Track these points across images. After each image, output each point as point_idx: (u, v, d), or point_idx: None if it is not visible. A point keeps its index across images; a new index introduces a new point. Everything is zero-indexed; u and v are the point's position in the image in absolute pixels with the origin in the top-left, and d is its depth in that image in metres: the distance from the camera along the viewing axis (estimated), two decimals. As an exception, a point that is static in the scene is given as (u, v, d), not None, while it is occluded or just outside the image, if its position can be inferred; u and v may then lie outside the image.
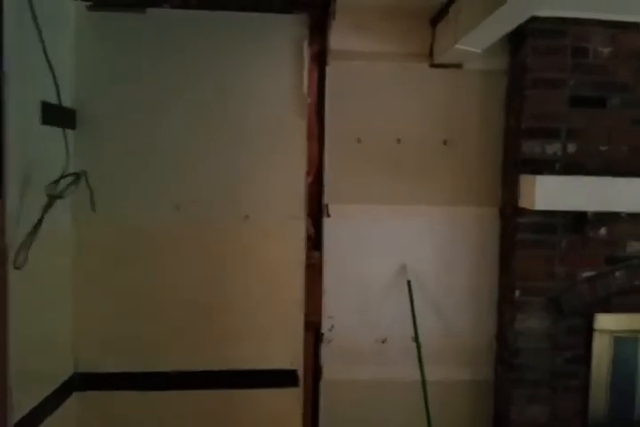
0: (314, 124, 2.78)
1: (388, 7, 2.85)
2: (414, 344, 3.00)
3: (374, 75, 3.01)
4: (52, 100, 2.28)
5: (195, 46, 2.63)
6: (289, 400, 2.78)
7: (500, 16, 2.17)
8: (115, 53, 2.60)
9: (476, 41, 2.55)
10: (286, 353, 2.76)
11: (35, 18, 2.08)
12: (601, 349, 3.00)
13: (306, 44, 2.65)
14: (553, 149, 2.87)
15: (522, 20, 2.32)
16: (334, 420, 3.08)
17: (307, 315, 2.80)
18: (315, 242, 2.90)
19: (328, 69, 2.82)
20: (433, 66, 3.04)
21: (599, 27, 2.83)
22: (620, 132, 2.90)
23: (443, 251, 3.13)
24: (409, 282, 3.07)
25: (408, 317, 3.04)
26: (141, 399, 2.69)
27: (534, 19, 2.70)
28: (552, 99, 2.85)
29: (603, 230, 2.92)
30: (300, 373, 2.79)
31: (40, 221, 2.12)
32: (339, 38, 2.88)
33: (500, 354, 3.14)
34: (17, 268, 2.00)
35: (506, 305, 3.06)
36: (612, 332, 3.00)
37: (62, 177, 2.26)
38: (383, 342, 3.12)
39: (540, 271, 2.93)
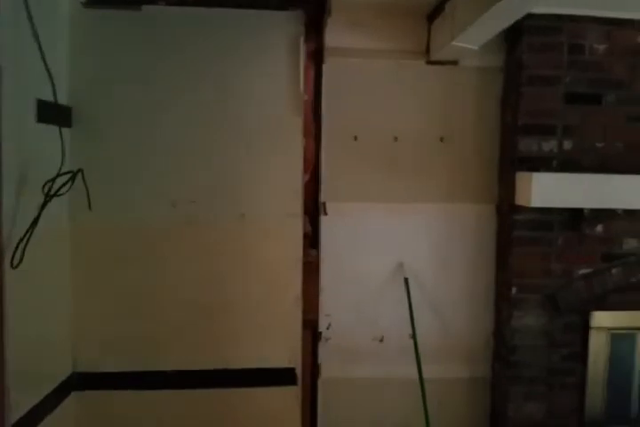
0: (310, 122, 2.77)
1: (384, 4, 2.85)
2: (412, 342, 3.00)
3: (371, 72, 3.01)
4: (48, 97, 2.27)
5: (190, 44, 2.62)
6: (287, 399, 2.77)
7: (496, 13, 2.18)
8: (110, 51, 2.59)
9: (473, 38, 2.55)
10: (284, 351, 2.76)
11: (30, 15, 2.07)
12: (597, 346, 3.00)
13: (302, 41, 2.65)
14: (549, 146, 2.88)
15: (518, 16, 2.32)
16: (332, 418, 3.08)
17: (304, 313, 2.80)
18: (312, 240, 2.90)
19: (324, 67, 2.82)
20: (429, 63, 3.04)
21: (594, 24, 2.84)
22: (615, 128, 2.91)
23: (439, 248, 3.13)
24: (406, 280, 3.07)
25: (405, 314, 3.04)
26: (140, 399, 2.68)
27: (530, 16, 2.69)
28: (548, 96, 2.86)
29: (599, 227, 2.92)
30: (298, 371, 2.79)
31: (36, 220, 2.11)
32: (335, 35, 2.89)
33: (497, 351, 3.14)
34: (13, 267, 1.99)
35: (502, 302, 3.06)
36: (608, 329, 3.00)
37: (58, 175, 2.25)
38: (381, 340, 3.12)
39: (537, 268, 2.93)
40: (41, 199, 2.17)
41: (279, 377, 2.77)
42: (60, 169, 2.27)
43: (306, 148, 2.75)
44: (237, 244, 2.70)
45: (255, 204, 2.70)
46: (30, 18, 2.08)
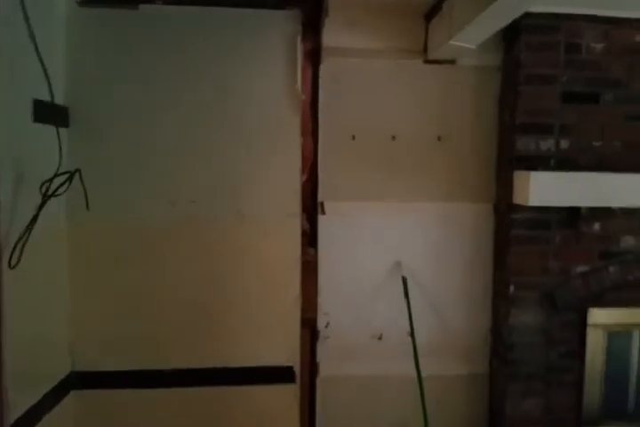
0: (308, 122, 2.78)
1: (382, 3, 2.84)
2: (410, 340, 3.00)
3: (368, 71, 3.00)
4: (45, 97, 2.26)
5: (187, 43, 2.61)
6: (286, 397, 2.78)
7: (493, 12, 2.18)
8: (107, 50, 2.58)
9: (470, 37, 2.55)
10: (283, 350, 2.77)
11: (26, 15, 2.07)
12: (595, 343, 3.01)
13: (299, 40, 2.64)
14: (547, 144, 2.88)
15: (515, 15, 2.32)
16: (331, 416, 3.09)
17: (303, 312, 2.80)
18: (310, 239, 2.91)
19: (322, 66, 2.82)
20: (427, 62, 3.03)
21: (592, 22, 2.84)
22: (612, 127, 2.91)
23: (437, 247, 3.13)
24: (404, 278, 3.07)
25: (403, 313, 3.05)
26: (139, 397, 2.69)
27: (528, 15, 2.69)
28: (545, 95, 2.86)
29: (596, 226, 2.93)
30: (297, 369, 2.79)
31: (34, 220, 2.11)
32: (332, 35, 2.89)
33: (494, 349, 3.15)
34: (11, 267, 1.99)
35: (500, 300, 3.07)
36: (605, 326, 3.01)
37: (56, 175, 2.25)
38: (379, 338, 3.13)
39: (535, 267, 2.94)
40: (39, 199, 2.16)
41: (278, 375, 2.77)
42: (58, 169, 2.27)
43: (304, 147, 2.75)
44: (236, 243, 2.70)
45: (254, 203, 2.70)
46: (26, 17, 2.07)
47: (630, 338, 3.11)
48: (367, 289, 3.11)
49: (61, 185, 2.24)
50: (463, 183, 3.10)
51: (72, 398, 2.61)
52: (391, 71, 3.02)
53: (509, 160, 2.93)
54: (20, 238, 2.04)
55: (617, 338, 3.07)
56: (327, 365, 3.07)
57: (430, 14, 2.93)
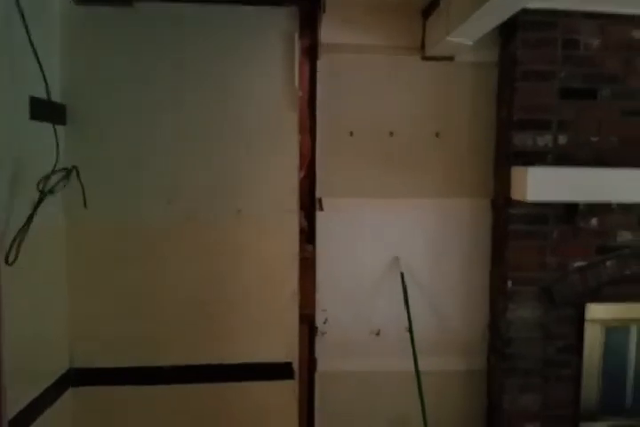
0: (306, 118, 2.77)
1: (379, 0, 2.84)
2: (408, 336, 3.01)
3: (366, 68, 3.00)
4: (41, 95, 2.26)
5: (184, 40, 2.61)
6: (284, 393, 2.79)
7: (490, 8, 2.17)
8: (104, 48, 2.58)
9: (468, 33, 2.54)
10: (281, 346, 2.77)
11: (22, 13, 2.06)
12: (592, 338, 3.02)
13: (296, 37, 2.64)
14: (544, 140, 2.88)
15: (512, 11, 2.31)
16: (329, 411, 3.10)
17: (301, 308, 2.81)
18: (308, 235, 2.91)
19: (319, 63, 2.81)
20: (424, 58, 3.03)
21: (588, 19, 2.84)
22: (610, 123, 2.92)
23: (435, 243, 3.14)
24: (402, 274, 3.08)
25: (401, 309, 3.05)
26: (138, 394, 2.70)
27: (525, 11, 2.70)
28: (542, 91, 2.86)
29: (594, 221, 2.94)
30: (295, 365, 2.80)
31: (31, 218, 2.11)
32: (329, 31, 2.88)
33: (492, 344, 3.16)
34: (9, 264, 1.99)
35: (498, 295, 3.08)
36: (603, 321, 3.02)
37: (53, 173, 2.25)
38: (377, 334, 3.14)
39: (532, 262, 2.95)
40: (36, 197, 2.17)
41: (276, 372, 2.78)
42: (55, 166, 2.27)
43: (301, 144, 2.74)
44: (234, 240, 2.70)
45: (252, 201, 2.70)
46: (22, 15, 2.07)
47: (628, 333, 3.12)
48: (365, 285, 3.11)
49: (58, 182, 2.24)
50: (461, 179, 3.11)
51: (71, 395, 2.62)
52: (389, 68, 3.02)
53: (507, 156, 2.94)
54: (17, 236, 2.04)
55: (614, 333, 3.08)
56: (325, 361, 3.07)
57: (427, 11, 2.93)
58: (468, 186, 3.12)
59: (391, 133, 3.05)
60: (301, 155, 2.75)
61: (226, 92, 2.65)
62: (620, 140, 2.93)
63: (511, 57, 2.89)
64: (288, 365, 2.79)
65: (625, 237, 2.97)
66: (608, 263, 2.97)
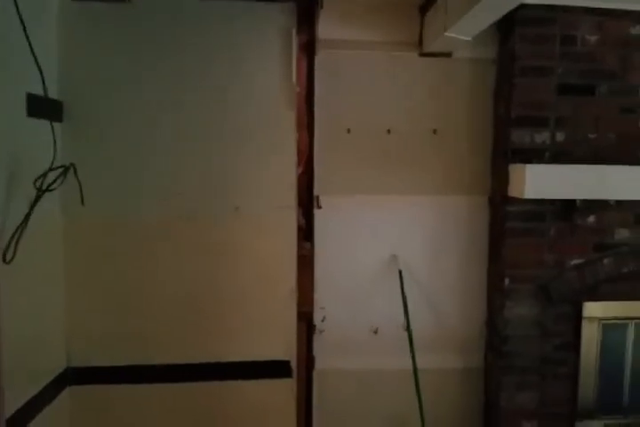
0: (303, 115, 2.76)
1: (376, -4, 2.85)
2: (406, 333, 3.01)
3: (363, 64, 3.00)
4: (38, 92, 2.25)
5: (180, 36, 2.59)
6: (282, 391, 2.78)
7: (488, 3, 2.17)
8: (101, 44, 2.56)
9: (466, 29, 2.54)
10: (279, 344, 2.76)
11: (18, 8, 2.04)
12: (589, 336, 3.02)
13: (294, 32, 2.63)
14: (542, 137, 2.88)
15: (510, 7, 2.31)
16: (328, 409, 3.10)
17: (299, 306, 2.79)
18: (306, 233, 2.91)
19: (317, 59, 2.80)
20: (422, 55, 3.03)
21: (587, 15, 2.84)
22: (608, 119, 2.92)
23: (433, 240, 3.14)
24: (400, 272, 3.08)
25: (399, 306, 3.05)
26: (135, 393, 2.68)
27: (523, 6, 2.69)
28: (540, 87, 2.86)
29: (591, 218, 2.94)
30: (293, 364, 2.79)
31: (28, 216, 2.10)
32: (327, 27, 2.88)
33: (489, 341, 3.16)
34: (6, 262, 1.98)
35: (495, 293, 3.08)
36: (600, 319, 3.02)
37: (50, 170, 2.23)
38: (375, 331, 3.14)
39: (530, 259, 2.95)
40: (33, 194, 2.15)
41: (274, 370, 2.77)
42: (52, 164, 2.25)
43: (299, 140, 2.73)
44: (232, 237, 2.69)
45: (249, 198, 2.68)
46: (19, 11, 2.05)
47: (625, 331, 3.11)
48: (363, 283, 3.11)
49: (56, 180, 2.23)
50: (458, 176, 3.11)
51: (68, 394, 2.61)
52: (386, 64, 3.02)
53: (505, 153, 2.94)
54: (14, 233, 2.02)
55: (611, 331, 3.08)
56: (323, 359, 3.08)
57: (425, 7, 2.93)
58: (465, 183, 3.12)
59: (388, 131, 3.05)
60: (299, 152, 2.74)
61: (223, 88, 2.63)
62: (618, 136, 2.93)
63: (509, 53, 2.89)
64: (286, 363, 2.78)
65: (622, 234, 2.98)
66: (605, 261, 2.97)
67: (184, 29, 2.59)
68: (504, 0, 2.20)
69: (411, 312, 3.04)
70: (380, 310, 3.11)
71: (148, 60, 2.59)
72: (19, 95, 2.14)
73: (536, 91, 2.86)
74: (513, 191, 2.85)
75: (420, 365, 2.97)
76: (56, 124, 2.39)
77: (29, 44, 2.11)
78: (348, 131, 3.03)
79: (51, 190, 2.22)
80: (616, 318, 3.07)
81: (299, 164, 2.76)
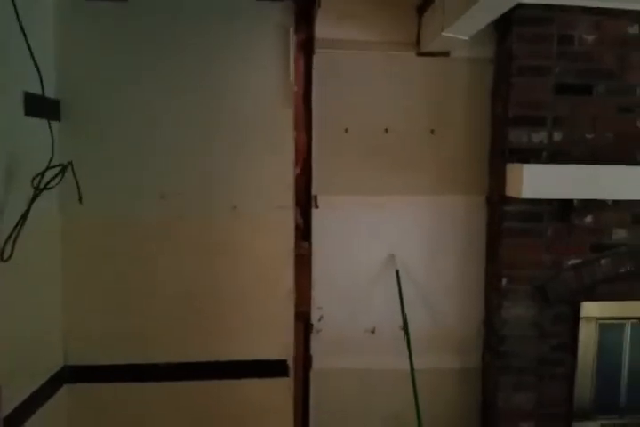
0: (301, 114, 2.77)
1: (374, -4, 2.86)
2: (403, 333, 3.01)
3: (361, 63, 3.00)
4: (36, 90, 2.25)
5: (178, 35, 2.59)
6: (280, 390, 2.77)
7: (486, 3, 2.17)
8: (98, 43, 2.56)
9: (463, 28, 2.54)
10: (276, 344, 2.75)
11: (15, 6, 2.05)
12: (586, 336, 3.02)
13: (292, 32, 2.63)
14: (539, 137, 2.89)
15: (508, 7, 2.31)
16: (325, 409, 3.10)
17: (296, 305, 2.79)
18: (304, 233, 2.91)
19: (314, 58, 2.80)
20: (420, 54, 3.04)
21: (584, 14, 2.85)
22: (605, 119, 2.92)
23: (430, 240, 3.14)
24: (397, 272, 3.08)
25: (397, 306, 3.05)
26: (132, 391, 2.68)
27: (520, 6, 2.69)
28: (538, 86, 2.87)
29: (588, 218, 2.94)
30: (291, 363, 2.79)
31: (26, 214, 2.10)
32: (325, 27, 2.89)
33: (487, 341, 3.16)
34: (4, 260, 1.98)
35: (493, 293, 3.08)
36: (597, 319, 3.02)
37: (48, 169, 2.23)
38: (372, 331, 3.14)
39: (527, 259, 2.95)
40: (31, 192, 2.15)
41: (271, 369, 2.76)
42: (50, 162, 2.26)
43: (297, 140, 2.74)
44: (229, 237, 2.69)
45: (247, 197, 2.68)
46: (16, 9, 2.05)
47: (622, 331, 3.11)
48: (361, 283, 3.11)
49: (53, 178, 2.23)
50: (456, 176, 3.11)
51: (65, 392, 2.61)
52: (384, 63, 3.03)
53: (502, 152, 2.94)
54: (12, 231, 2.02)
55: (609, 331, 3.08)
56: (321, 358, 3.08)
57: (423, 6, 2.94)
58: (462, 183, 3.12)
59: (386, 130, 3.05)
60: (297, 151, 2.74)
61: (221, 87, 2.63)
62: (616, 136, 2.93)
63: (507, 52, 2.89)
64: (283, 362, 2.78)
65: (620, 234, 2.98)
66: (603, 261, 2.97)
67: (181, 28, 2.59)
68: (501, 0, 2.20)
69: (408, 312, 3.04)
70: (378, 310, 3.11)
71: (147, 60, 2.59)
72: (16, 94, 2.14)
73: (533, 90, 2.86)
74: (510, 191, 2.85)
75: (417, 365, 2.97)
76: (54, 123, 2.39)
77: (27, 43, 2.11)
78: (346, 130, 3.03)
79: (48, 189, 2.21)
80: (613, 319, 3.07)
81: (296, 163, 2.77)
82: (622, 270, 2.98)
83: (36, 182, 2.16)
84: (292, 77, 2.64)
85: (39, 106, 2.29)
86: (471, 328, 3.20)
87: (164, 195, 2.64)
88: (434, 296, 3.16)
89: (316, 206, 3.02)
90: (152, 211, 2.64)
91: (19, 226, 2.05)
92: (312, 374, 3.05)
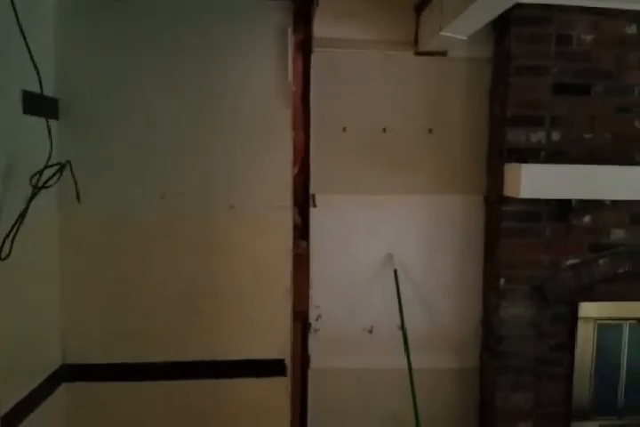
0: (299, 114, 2.77)
1: (373, -5, 2.86)
2: (401, 333, 3.01)
3: (359, 63, 3.01)
4: (34, 89, 2.25)
5: (178, 35, 2.59)
6: (277, 390, 2.77)
7: (484, 2, 2.18)
8: (97, 41, 2.56)
9: (461, 28, 2.55)
10: (274, 343, 2.75)
11: (13, 4, 2.05)
12: (585, 336, 3.03)
13: (290, 31, 2.63)
14: (537, 137, 2.89)
15: (506, 6, 2.32)
16: (322, 408, 3.10)
17: (294, 305, 2.79)
18: (302, 232, 2.91)
19: (313, 58, 2.80)
20: (418, 54, 3.04)
21: (582, 14, 2.85)
22: (603, 119, 2.93)
23: (428, 239, 3.14)
24: (395, 271, 3.08)
25: (395, 306, 3.05)
26: (130, 390, 2.67)
27: (518, 6, 2.69)
28: (536, 86, 2.87)
29: (587, 218, 2.94)
30: (288, 362, 2.79)
31: (24, 212, 2.10)
32: (323, 26, 2.89)
33: (485, 341, 3.16)
34: (2, 259, 1.98)
35: (491, 293, 3.08)
36: (595, 319, 3.02)
37: (46, 167, 2.24)
38: (370, 331, 3.14)
39: (525, 259, 2.95)
40: (29, 191, 2.15)
41: (269, 368, 2.76)
42: (48, 161, 2.26)
43: (295, 139, 2.74)
44: (227, 236, 2.68)
45: (245, 196, 2.67)
46: (14, 8, 2.05)
47: (620, 331, 3.11)
48: (359, 282, 3.12)
49: (52, 177, 2.23)
50: (454, 176, 3.12)
51: (63, 391, 2.60)
52: (382, 63, 3.03)
53: (500, 152, 2.94)
54: (10, 230, 2.02)
55: (607, 331, 3.08)
56: (318, 358, 3.08)
57: (421, 6, 2.94)
58: (460, 183, 3.13)
59: (384, 129, 3.05)
60: (295, 150, 2.74)
61: (219, 86, 2.63)
62: (614, 136, 2.93)
63: (505, 52, 2.89)
64: (280, 361, 2.78)
65: (618, 234, 2.98)
66: (601, 261, 2.97)
67: (180, 28, 2.59)
68: (499, -1, 2.21)
69: (406, 311, 3.04)
70: (376, 309, 3.12)
71: (146, 59, 2.58)
72: (15, 92, 2.14)
73: (531, 90, 2.86)
74: (508, 191, 2.85)
75: (415, 364, 2.97)
76: (53, 122, 2.39)
77: (26, 42, 2.11)
78: (344, 129, 3.03)
79: (47, 187, 2.21)
80: (611, 319, 3.07)
81: (295, 162, 2.77)
82: (620, 271, 2.98)
83: (34, 181, 2.16)
84: (290, 77, 2.64)
85: (38, 104, 2.28)
86: (469, 328, 3.20)
87: (164, 195, 2.63)
88: (432, 296, 3.16)
89: (314, 205, 3.02)
90: (152, 211, 2.63)
91: (17, 224, 2.05)
92: (310, 374, 3.05)
